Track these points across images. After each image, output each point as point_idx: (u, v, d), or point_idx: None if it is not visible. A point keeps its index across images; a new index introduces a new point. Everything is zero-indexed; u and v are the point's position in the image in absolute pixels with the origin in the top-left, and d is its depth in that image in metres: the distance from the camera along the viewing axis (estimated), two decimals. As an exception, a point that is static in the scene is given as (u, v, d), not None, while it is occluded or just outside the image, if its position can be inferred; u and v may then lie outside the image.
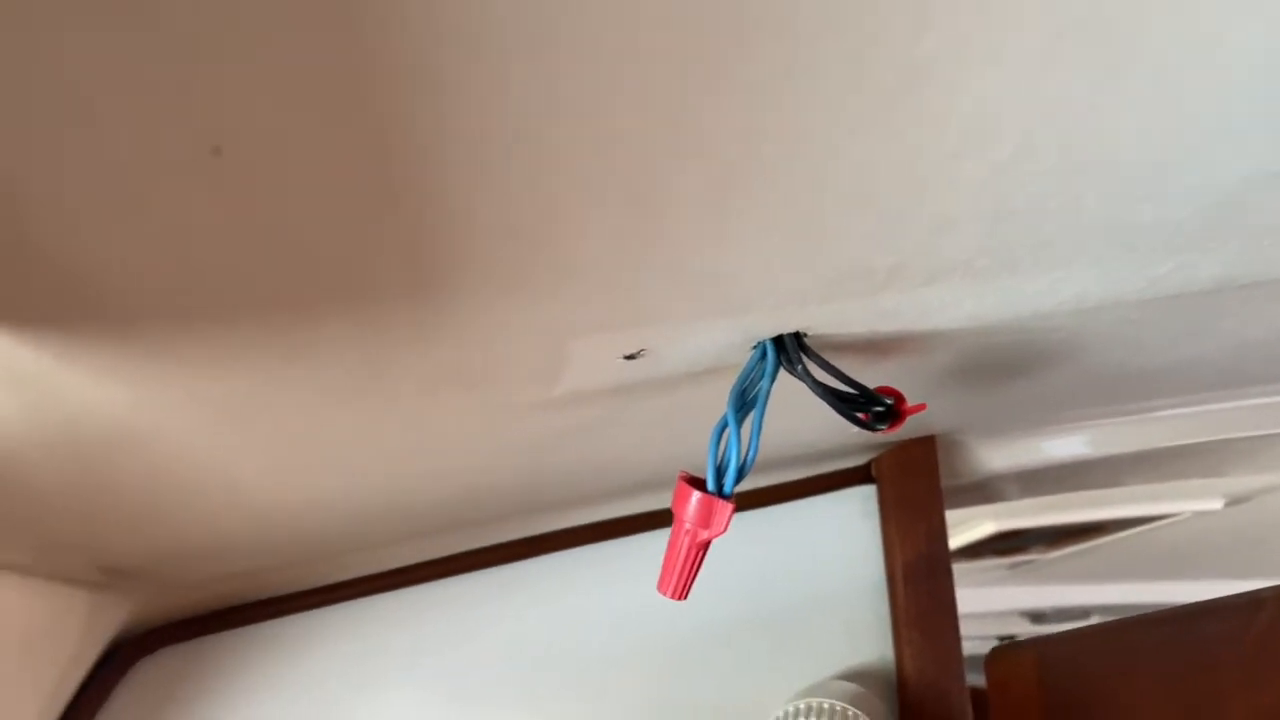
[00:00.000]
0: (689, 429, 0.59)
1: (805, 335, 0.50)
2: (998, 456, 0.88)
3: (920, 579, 0.81)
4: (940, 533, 0.82)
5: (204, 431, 0.44)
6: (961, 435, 0.85)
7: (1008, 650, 0.78)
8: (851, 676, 0.80)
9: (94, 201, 0.25)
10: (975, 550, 1.64)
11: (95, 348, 0.33)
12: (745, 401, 0.50)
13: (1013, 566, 1.60)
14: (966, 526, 1.62)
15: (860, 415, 0.51)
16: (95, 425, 0.40)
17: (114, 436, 0.41)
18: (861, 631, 0.82)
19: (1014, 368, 0.68)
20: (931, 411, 0.79)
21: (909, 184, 0.35)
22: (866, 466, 0.86)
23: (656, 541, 0.83)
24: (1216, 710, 0.69)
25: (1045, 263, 0.45)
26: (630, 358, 0.48)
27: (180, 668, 0.79)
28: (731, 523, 0.48)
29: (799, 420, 0.72)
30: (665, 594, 0.50)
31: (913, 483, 0.83)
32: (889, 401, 0.52)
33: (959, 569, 0.92)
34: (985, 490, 1.01)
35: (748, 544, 0.85)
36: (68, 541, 0.57)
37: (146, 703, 0.78)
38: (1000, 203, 0.37)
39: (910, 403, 0.52)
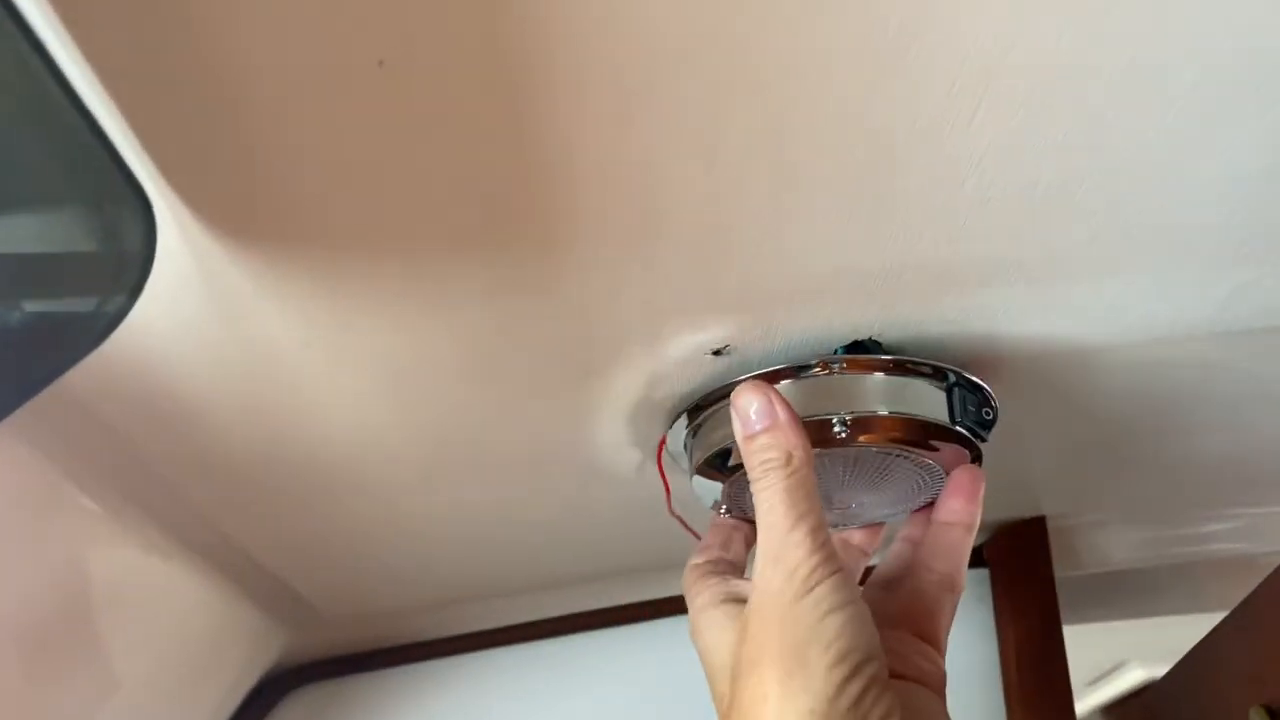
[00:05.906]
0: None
1: (879, 341, 0.55)
2: (1118, 546, 0.87)
3: (1033, 661, 0.80)
4: (1053, 613, 0.82)
5: (359, 391, 0.53)
6: (1073, 520, 0.85)
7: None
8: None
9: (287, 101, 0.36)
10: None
11: (289, 274, 0.43)
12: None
13: None
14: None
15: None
16: (268, 358, 0.49)
17: (280, 377, 0.51)
18: (975, 714, 0.82)
19: (1106, 444, 0.70)
20: (1039, 487, 0.81)
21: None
22: (979, 550, 0.87)
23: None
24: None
25: (1095, 263, 0.50)
26: (717, 353, 0.54)
27: (324, 703, 0.86)
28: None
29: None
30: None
31: (1024, 564, 0.84)
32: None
33: None
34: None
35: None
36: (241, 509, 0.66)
37: (291, 731, 0.85)
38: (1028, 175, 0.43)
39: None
